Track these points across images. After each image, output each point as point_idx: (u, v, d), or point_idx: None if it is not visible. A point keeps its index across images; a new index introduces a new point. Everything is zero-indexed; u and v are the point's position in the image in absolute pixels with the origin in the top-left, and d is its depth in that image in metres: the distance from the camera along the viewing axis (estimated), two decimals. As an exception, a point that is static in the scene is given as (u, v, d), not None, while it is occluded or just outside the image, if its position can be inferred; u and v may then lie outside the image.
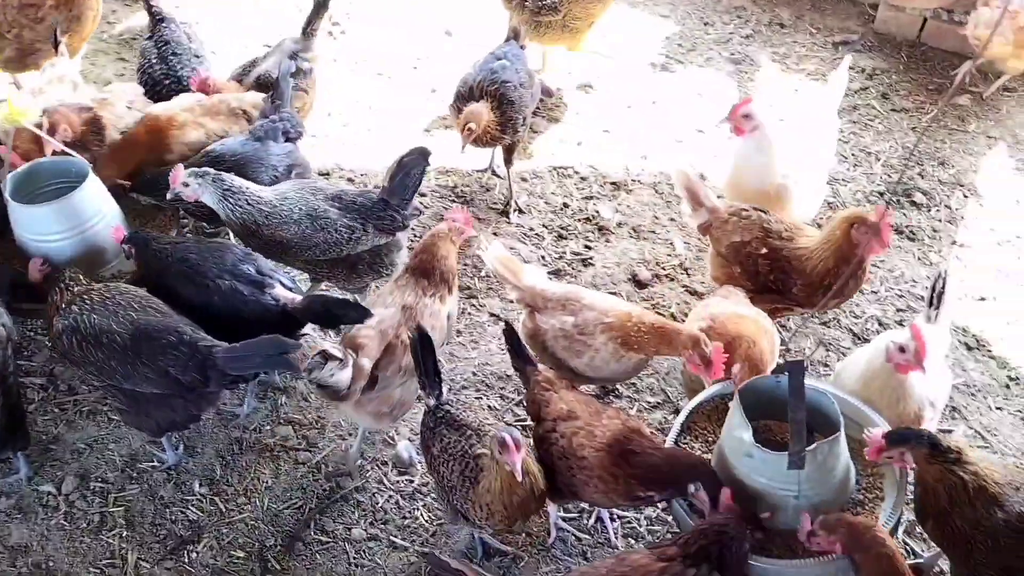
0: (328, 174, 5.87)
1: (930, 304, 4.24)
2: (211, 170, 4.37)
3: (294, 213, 4.39)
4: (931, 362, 3.90)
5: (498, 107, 5.34)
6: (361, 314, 4.14)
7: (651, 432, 3.77)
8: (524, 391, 4.08)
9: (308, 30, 5.71)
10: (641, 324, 4.00)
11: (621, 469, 3.52)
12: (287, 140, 4.97)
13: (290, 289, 4.27)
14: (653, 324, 4.01)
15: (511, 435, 3.36)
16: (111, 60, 6.82)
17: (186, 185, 4.30)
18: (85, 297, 4.00)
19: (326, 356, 3.71)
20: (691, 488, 3.46)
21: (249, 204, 4.34)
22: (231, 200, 4.32)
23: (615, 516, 4.18)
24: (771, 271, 4.44)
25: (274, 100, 5.08)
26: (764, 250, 4.45)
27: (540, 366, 4.05)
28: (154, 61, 5.57)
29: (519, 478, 3.38)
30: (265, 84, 5.39)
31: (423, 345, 3.85)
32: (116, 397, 4.02)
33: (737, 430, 3.53)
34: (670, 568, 3.19)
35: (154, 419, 4.00)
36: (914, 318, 4.52)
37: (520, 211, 5.75)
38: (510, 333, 4.11)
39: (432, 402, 3.87)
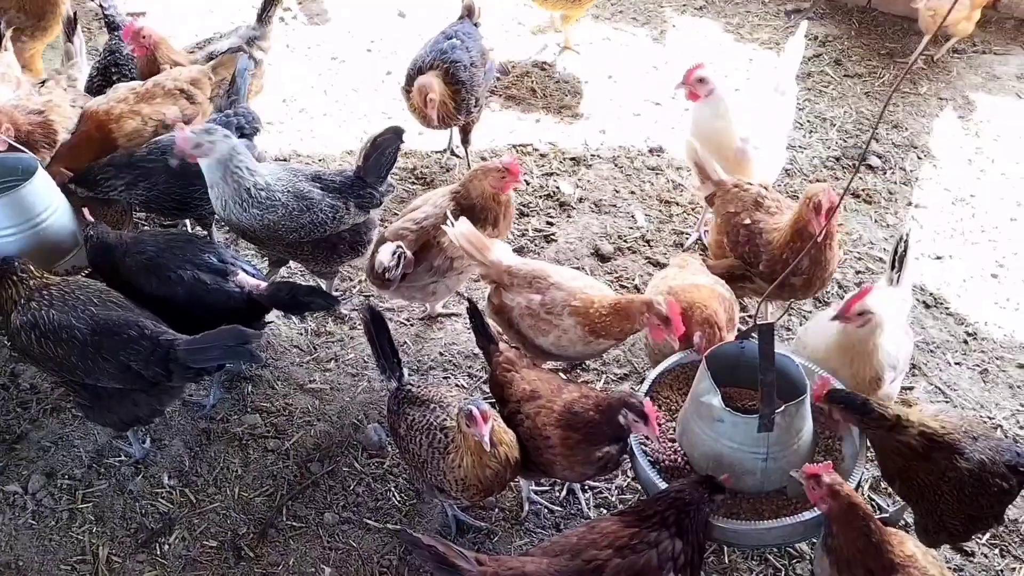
0: (287, 159, 5.82)
1: (892, 267, 4.30)
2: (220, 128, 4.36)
3: (281, 195, 4.36)
4: (892, 325, 3.98)
5: (450, 86, 5.32)
6: (328, 301, 4.15)
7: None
8: (488, 371, 4.09)
9: (264, 16, 5.64)
10: (602, 308, 4.00)
11: (572, 436, 3.55)
12: (242, 135, 4.87)
13: (252, 275, 4.24)
14: (611, 305, 4.01)
15: (478, 407, 3.38)
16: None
17: (198, 146, 4.23)
18: (44, 292, 3.94)
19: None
20: (622, 420, 3.47)
21: (250, 172, 4.31)
22: (233, 166, 4.25)
23: (586, 488, 4.22)
24: (747, 243, 4.47)
25: (230, 95, 5.01)
26: (747, 221, 4.49)
27: (503, 345, 4.05)
28: (93, 75, 5.47)
29: (487, 448, 3.40)
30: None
31: (376, 324, 3.84)
32: (78, 393, 3.97)
33: (705, 396, 3.54)
34: (636, 534, 3.23)
35: (117, 414, 3.96)
36: (876, 281, 4.58)
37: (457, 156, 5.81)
38: (474, 312, 4.11)
39: (393, 384, 3.87)
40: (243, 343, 3.75)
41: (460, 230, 4.31)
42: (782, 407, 3.44)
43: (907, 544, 3.20)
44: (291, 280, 4.84)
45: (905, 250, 4.27)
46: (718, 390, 3.52)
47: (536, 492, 4.18)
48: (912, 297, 4.91)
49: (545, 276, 4.16)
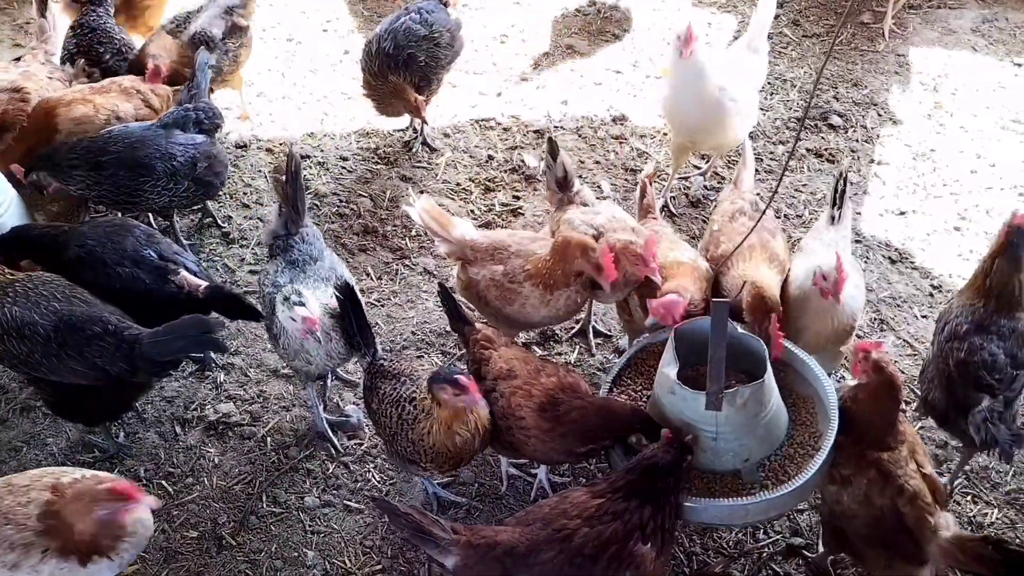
0: (246, 146, 5.75)
1: (832, 204, 4.33)
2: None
3: None
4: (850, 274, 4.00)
5: (407, 71, 5.28)
6: (257, 313, 4.13)
7: (588, 386, 3.76)
8: (465, 351, 4.07)
9: None
10: (545, 257, 4.01)
11: (554, 427, 3.55)
12: (201, 131, 4.77)
13: (195, 274, 4.14)
14: (552, 249, 4.01)
15: (464, 374, 3.41)
16: (6, 48, 6.54)
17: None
18: (8, 289, 3.87)
19: None
20: (633, 439, 3.51)
21: None
22: None
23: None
24: None
25: (190, 89, 4.88)
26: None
27: (479, 324, 4.03)
28: (72, 50, 5.33)
29: (486, 412, 3.50)
30: (202, 41, 5.17)
31: (351, 302, 3.84)
32: (44, 390, 3.93)
33: (666, 366, 3.54)
34: (604, 505, 3.25)
35: (85, 410, 3.93)
36: (818, 217, 4.62)
37: (432, 149, 5.79)
38: (445, 294, 4.10)
39: (368, 360, 3.88)
40: (206, 332, 3.71)
41: (422, 206, 4.30)
42: (734, 388, 3.40)
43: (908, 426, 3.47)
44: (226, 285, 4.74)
45: (844, 187, 4.29)
46: (677, 362, 3.51)
47: (515, 466, 4.20)
48: (876, 252, 5.00)
49: (505, 246, 4.15)
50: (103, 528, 3.19)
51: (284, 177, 4.13)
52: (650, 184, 4.63)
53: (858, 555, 3.57)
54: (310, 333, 3.71)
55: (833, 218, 4.28)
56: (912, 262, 5.25)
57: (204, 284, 4.07)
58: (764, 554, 3.93)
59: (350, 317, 3.85)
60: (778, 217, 5.24)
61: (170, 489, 4.13)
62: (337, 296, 3.89)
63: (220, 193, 5.19)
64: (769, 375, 3.51)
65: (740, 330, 3.67)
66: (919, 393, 4.13)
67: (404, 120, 5.90)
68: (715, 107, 4.95)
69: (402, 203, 5.45)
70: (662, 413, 3.57)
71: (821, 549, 3.87)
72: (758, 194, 4.70)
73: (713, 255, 4.25)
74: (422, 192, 5.48)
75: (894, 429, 3.39)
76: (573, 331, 4.78)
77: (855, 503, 3.37)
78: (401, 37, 5.30)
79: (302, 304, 3.68)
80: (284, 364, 4.42)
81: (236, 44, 5.42)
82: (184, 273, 4.09)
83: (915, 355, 4.73)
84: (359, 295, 3.94)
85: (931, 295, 5.06)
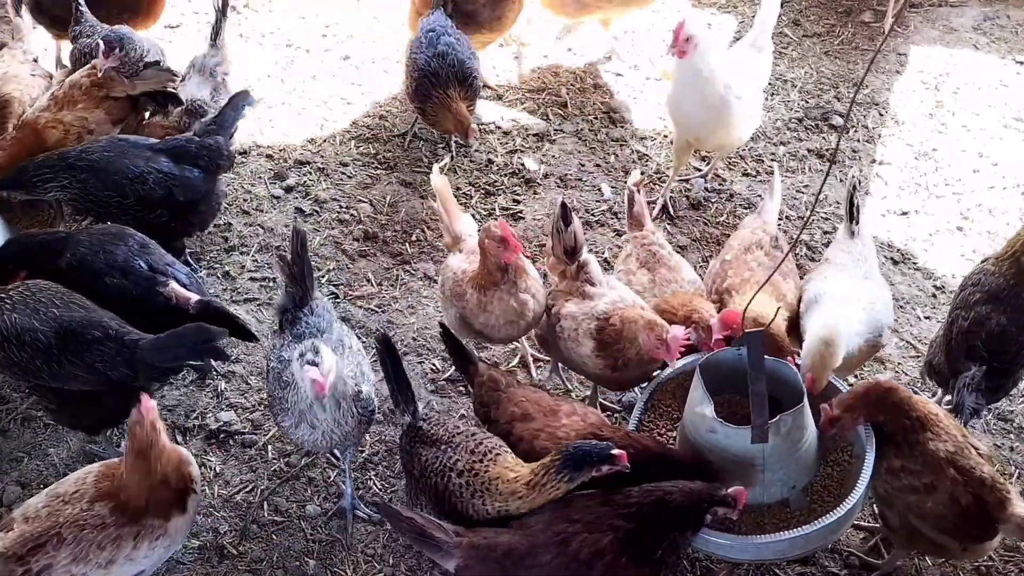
0: (247, 152, 5.74)
1: (850, 219, 4.30)
2: None
3: None
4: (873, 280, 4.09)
5: (466, 87, 5.30)
6: (247, 335, 4.12)
7: (612, 425, 3.72)
8: (471, 391, 3.97)
9: (216, 39, 5.34)
10: (473, 258, 4.03)
11: None
12: (200, 169, 4.63)
13: (186, 286, 4.09)
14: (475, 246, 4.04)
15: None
16: None
17: None
18: (4, 297, 3.86)
19: None
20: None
21: None
22: None
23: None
24: None
25: (214, 123, 4.74)
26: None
27: (482, 366, 3.92)
28: None
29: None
30: (196, 112, 5.05)
31: (390, 355, 3.72)
32: (45, 397, 3.93)
33: (699, 406, 3.45)
34: (606, 515, 3.20)
35: (86, 417, 3.92)
36: (818, 218, 4.61)
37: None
38: (448, 335, 4.01)
39: (408, 419, 3.70)
40: (207, 341, 3.71)
41: (436, 183, 4.37)
42: (777, 417, 3.33)
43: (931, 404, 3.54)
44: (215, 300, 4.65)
45: (854, 195, 4.25)
46: (711, 399, 3.42)
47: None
48: (878, 254, 4.96)
49: (476, 249, 4.11)
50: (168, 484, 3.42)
51: (289, 256, 3.92)
52: (639, 192, 4.55)
53: (934, 548, 3.61)
54: (319, 400, 3.46)
55: (852, 232, 4.25)
56: (915, 263, 5.23)
57: (195, 299, 4.02)
58: (750, 568, 3.90)
59: (388, 370, 3.71)
60: (781, 219, 5.21)
61: (171, 498, 4.12)
62: (377, 349, 3.75)
63: (198, 234, 5.04)
64: (806, 399, 3.45)
65: (767, 358, 3.54)
66: (926, 357, 4.20)
67: (406, 128, 5.89)
68: (719, 105, 4.92)
69: (402, 208, 5.45)
70: (696, 452, 3.49)
71: (884, 556, 3.88)
72: (783, 229, 4.59)
73: (719, 288, 4.17)
74: (422, 199, 5.50)
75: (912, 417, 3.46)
76: (513, 362, 4.72)
77: (940, 506, 3.38)
78: (450, 65, 5.30)
79: (314, 364, 3.38)
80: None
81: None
82: (173, 285, 4.03)
83: (918, 356, 4.71)
84: (396, 349, 3.77)
85: (934, 296, 5.04)
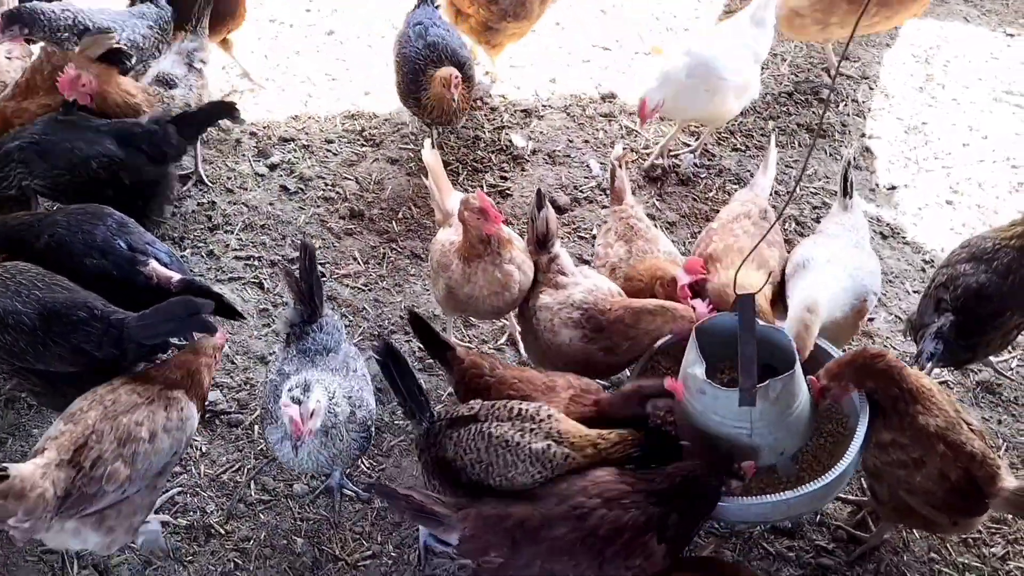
0: (229, 130, 5.67)
1: (844, 194, 4.31)
2: None
3: None
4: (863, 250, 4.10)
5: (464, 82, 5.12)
6: (232, 313, 4.09)
7: (597, 387, 3.72)
8: (449, 376, 3.90)
9: (197, 26, 5.25)
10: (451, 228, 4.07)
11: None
12: (144, 154, 4.56)
13: (167, 265, 4.05)
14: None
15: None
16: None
17: None
18: None
19: None
20: (650, 410, 3.42)
21: None
22: None
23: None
24: None
25: (176, 116, 4.70)
26: None
27: (460, 350, 3.85)
28: None
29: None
30: (166, 82, 5.01)
31: (395, 365, 3.55)
32: (29, 380, 3.88)
33: (691, 367, 3.45)
34: (629, 494, 3.18)
35: (71, 398, 3.86)
36: (808, 193, 4.66)
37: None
38: (416, 321, 3.90)
39: (424, 426, 3.56)
40: (194, 314, 3.67)
41: (428, 159, 4.36)
42: (766, 382, 3.32)
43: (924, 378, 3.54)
44: (198, 279, 4.57)
45: (848, 171, 4.29)
46: (703, 361, 3.42)
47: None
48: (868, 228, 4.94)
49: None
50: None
51: (297, 271, 3.82)
52: (620, 167, 4.54)
53: (924, 523, 3.61)
54: (294, 443, 3.33)
55: (846, 206, 4.28)
56: (904, 237, 5.21)
57: (177, 277, 3.98)
58: (755, 532, 3.91)
59: (396, 382, 3.56)
60: (770, 193, 5.18)
61: (157, 478, 4.09)
62: (377, 359, 3.61)
63: (158, 223, 4.85)
64: (798, 366, 3.44)
65: (760, 322, 3.56)
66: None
67: (391, 103, 5.82)
68: (705, 95, 4.97)
69: (389, 186, 5.40)
70: (691, 414, 3.49)
71: (872, 530, 3.89)
72: (772, 205, 4.60)
73: (703, 252, 4.17)
74: (408, 175, 5.45)
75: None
76: (502, 340, 4.69)
77: (929, 481, 3.38)
78: (444, 50, 5.17)
79: (297, 403, 3.27)
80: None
81: (199, 84, 5.20)
82: (154, 264, 3.99)
83: (907, 331, 4.70)
84: (403, 356, 3.62)
85: (923, 270, 5.02)
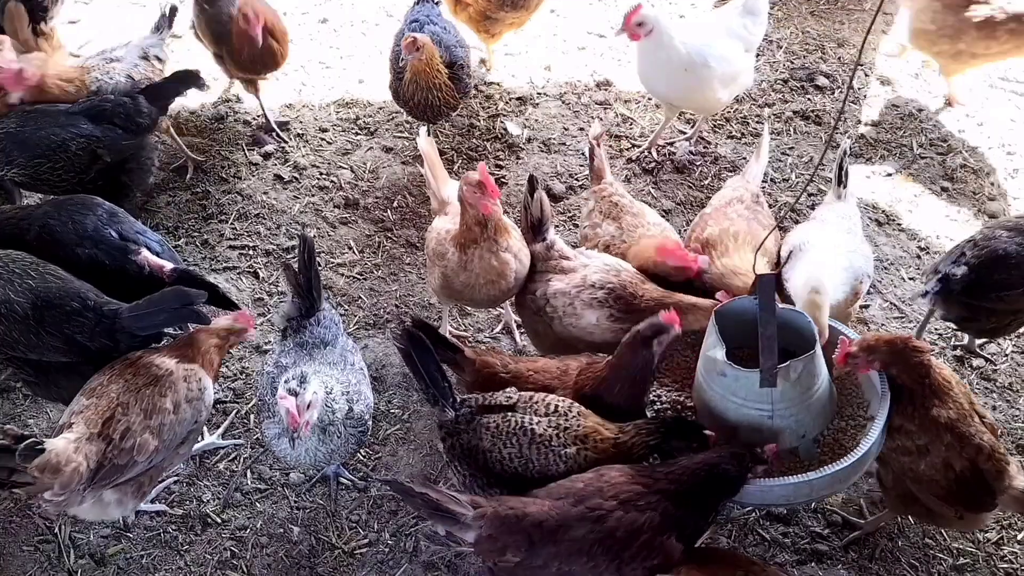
0: (223, 118, 5.65)
1: (838, 183, 4.31)
2: None
3: None
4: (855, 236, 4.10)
5: (448, 68, 5.05)
6: (227, 303, 4.07)
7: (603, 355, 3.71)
8: (460, 377, 3.83)
9: (162, 27, 5.23)
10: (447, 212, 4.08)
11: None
12: (119, 128, 4.57)
13: (158, 254, 4.04)
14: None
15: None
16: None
17: None
18: None
19: None
20: (656, 346, 3.42)
21: None
22: None
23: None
24: None
25: (144, 88, 4.70)
26: None
27: (468, 351, 3.79)
28: None
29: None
30: (109, 59, 4.96)
31: (418, 350, 3.45)
32: (23, 370, 3.87)
33: (711, 350, 3.43)
34: (645, 495, 3.15)
35: (65, 388, 3.86)
36: (805, 181, 4.65)
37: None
38: (420, 329, 3.63)
39: (450, 414, 3.47)
40: (187, 304, 3.66)
41: (424, 146, 4.34)
42: (787, 363, 3.29)
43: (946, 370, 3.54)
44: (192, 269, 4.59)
45: (843, 161, 4.29)
46: (723, 343, 3.40)
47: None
48: (863, 215, 4.95)
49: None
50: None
51: (296, 265, 3.79)
52: (598, 145, 4.54)
53: (928, 515, 3.60)
54: (291, 436, 3.33)
55: (840, 196, 4.28)
56: (899, 224, 5.21)
57: (170, 266, 3.97)
58: (750, 519, 3.92)
59: (419, 370, 3.46)
60: (765, 181, 5.18)
61: (153, 468, 4.09)
62: (399, 347, 3.53)
63: (137, 199, 4.88)
64: (818, 347, 3.41)
65: (780, 305, 3.54)
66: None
67: (387, 93, 5.79)
68: (686, 75, 4.95)
69: (383, 174, 5.39)
70: (710, 400, 3.47)
71: (867, 516, 3.90)
72: (767, 192, 4.60)
73: (698, 237, 4.15)
74: (404, 163, 5.43)
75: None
76: (497, 329, 4.68)
77: (933, 470, 3.37)
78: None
79: (293, 394, 3.24)
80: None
81: (147, 69, 5.06)
82: (145, 253, 3.98)
83: (902, 317, 4.71)
84: (426, 342, 3.48)
85: (918, 257, 5.02)
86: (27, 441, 3.15)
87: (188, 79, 4.81)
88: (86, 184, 4.48)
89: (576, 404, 3.44)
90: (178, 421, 3.53)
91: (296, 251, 3.89)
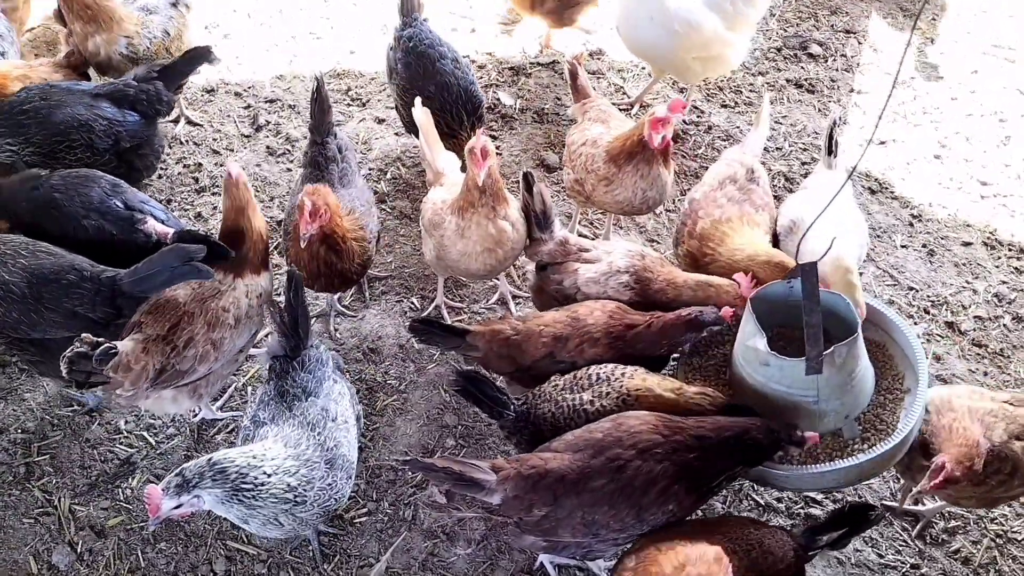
0: (214, 90, 5.61)
1: (828, 153, 4.30)
2: None
3: None
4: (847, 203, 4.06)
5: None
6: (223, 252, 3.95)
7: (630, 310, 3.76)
8: (472, 357, 3.86)
9: None
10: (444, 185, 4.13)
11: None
12: (139, 113, 4.56)
13: (163, 222, 4.05)
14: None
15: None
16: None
17: None
18: None
19: None
20: (706, 332, 3.58)
21: None
22: None
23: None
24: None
25: (159, 71, 4.64)
26: None
27: (475, 326, 3.82)
28: None
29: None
30: (146, 10, 5.02)
31: (476, 386, 3.52)
32: (25, 351, 3.85)
33: (751, 339, 3.40)
34: (665, 445, 3.19)
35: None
36: (799, 150, 4.57)
37: None
38: (427, 324, 3.81)
39: (510, 417, 3.54)
40: (187, 261, 3.64)
41: (419, 117, 4.31)
42: (831, 348, 3.28)
43: None
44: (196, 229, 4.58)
45: (834, 130, 4.26)
46: (763, 333, 3.38)
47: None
48: (856, 183, 4.96)
49: (457, 183, 4.11)
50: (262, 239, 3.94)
51: (283, 301, 3.61)
52: (579, 65, 4.65)
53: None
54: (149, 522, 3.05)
55: (831, 165, 4.26)
56: (892, 191, 5.22)
57: (172, 231, 3.98)
58: (744, 484, 3.96)
59: (481, 401, 3.53)
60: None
61: (151, 440, 4.10)
62: (457, 390, 3.56)
63: (146, 181, 4.90)
64: (859, 328, 3.40)
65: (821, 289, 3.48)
66: None
67: (379, 63, 5.76)
68: (652, 26, 4.98)
69: (376, 146, 5.36)
70: (753, 385, 3.46)
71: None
72: (764, 163, 4.56)
73: (692, 232, 4.05)
74: (397, 135, 5.41)
75: None
76: (492, 300, 4.68)
77: None
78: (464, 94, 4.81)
79: (164, 491, 2.98)
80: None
81: (179, 19, 5.17)
82: (152, 222, 4.00)
83: (895, 285, 4.73)
84: (480, 375, 3.55)
85: (911, 225, 5.04)
86: (103, 346, 3.37)
87: (200, 56, 4.78)
88: (100, 167, 4.42)
89: (613, 365, 3.52)
90: (237, 335, 3.75)
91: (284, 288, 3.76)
